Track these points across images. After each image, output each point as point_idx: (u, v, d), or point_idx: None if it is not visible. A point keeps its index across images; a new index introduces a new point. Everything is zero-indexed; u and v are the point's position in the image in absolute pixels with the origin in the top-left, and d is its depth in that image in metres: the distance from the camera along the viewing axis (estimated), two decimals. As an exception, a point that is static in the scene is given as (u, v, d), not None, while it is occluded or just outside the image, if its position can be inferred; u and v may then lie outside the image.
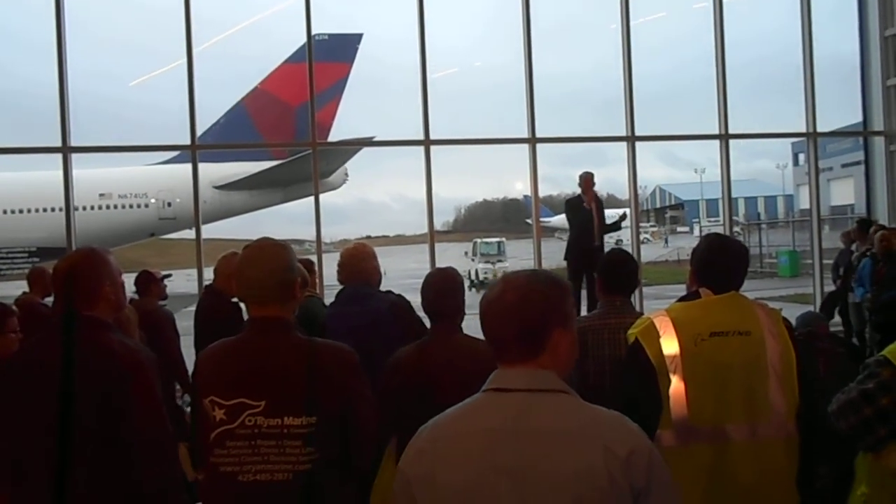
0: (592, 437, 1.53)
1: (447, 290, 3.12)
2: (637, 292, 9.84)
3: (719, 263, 2.59)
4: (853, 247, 8.63)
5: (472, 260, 28.23)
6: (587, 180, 8.66)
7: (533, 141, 9.74)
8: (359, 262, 4.00)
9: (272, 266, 2.29)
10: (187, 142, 9.05)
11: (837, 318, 8.56)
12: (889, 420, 2.31)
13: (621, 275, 3.55)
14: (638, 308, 8.76)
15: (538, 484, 1.50)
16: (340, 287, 4.08)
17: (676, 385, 2.37)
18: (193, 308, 5.09)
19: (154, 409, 2.26)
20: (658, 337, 2.43)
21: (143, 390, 2.24)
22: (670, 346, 2.40)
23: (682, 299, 2.68)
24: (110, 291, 2.39)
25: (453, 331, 3.09)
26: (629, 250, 10.48)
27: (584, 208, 8.53)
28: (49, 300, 5.47)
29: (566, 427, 1.55)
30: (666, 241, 44.34)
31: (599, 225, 8.52)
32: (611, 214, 9.29)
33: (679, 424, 2.34)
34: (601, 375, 3.28)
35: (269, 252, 2.33)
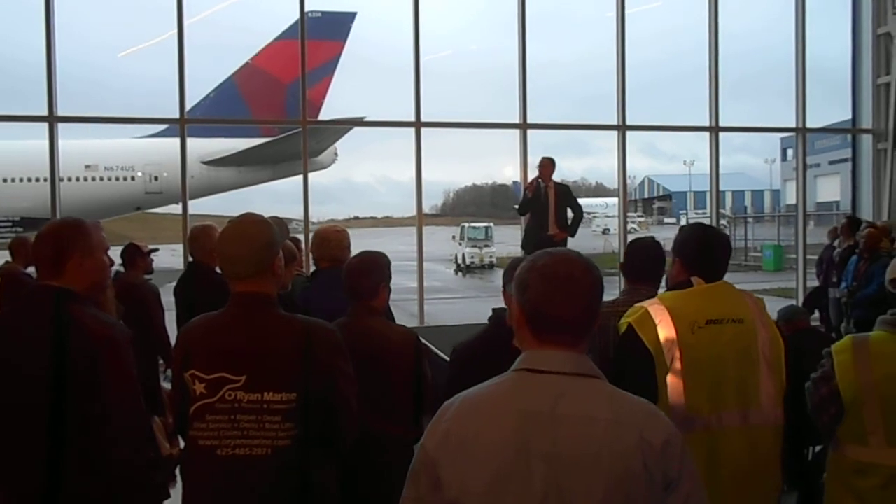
0: (628, 424, 1.50)
1: (364, 271, 3.05)
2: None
3: (710, 252, 2.59)
4: (835, 243, 8.69)
5: (460, 244, 28.24)
6: (546, 166, 8.15)
7: (524, 126, 9.71)
8: (336, 245, 3.98)
9: (252, 242, 2.27)
10: (176, 115, 8.95)
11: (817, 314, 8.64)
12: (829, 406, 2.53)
13: None
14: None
15: (573, 469, 1.47)
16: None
17: (673, 374, 2.35)
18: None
19: (127, 386, 2.17)
20: (654, 325, 2.39)
21: (114, 367, 2.15)
22: (667, 334, 2.37)
23: (671, 289, 2.66)
24: (78, 264, 2.27)
25: (369, 313, 3.02)
26: (616, 240, 10.54)
27: (542, 195, 8.07)
28: (32, 270, 5.42)
29: (602, 413, 1.51)
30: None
31: (556, 214, 8.11)
32: (590, 203, 9.08)
33: (676, 414, 2.27)
34: None
35: (249, 228, 2.31)
